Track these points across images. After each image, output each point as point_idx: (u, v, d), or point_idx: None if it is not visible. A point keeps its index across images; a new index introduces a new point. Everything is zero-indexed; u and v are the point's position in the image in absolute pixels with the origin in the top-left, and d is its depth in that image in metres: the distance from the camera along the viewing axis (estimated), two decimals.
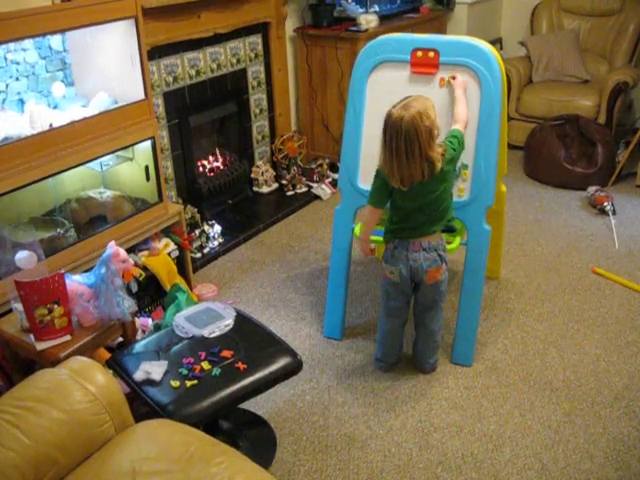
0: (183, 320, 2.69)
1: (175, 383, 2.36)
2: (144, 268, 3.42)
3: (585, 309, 3.56)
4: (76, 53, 3.36)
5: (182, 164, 4.32)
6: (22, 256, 2.58)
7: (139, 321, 3.29)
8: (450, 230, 2.98)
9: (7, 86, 3.15)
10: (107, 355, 2.88)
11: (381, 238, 2.93)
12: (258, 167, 4.95)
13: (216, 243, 4.26)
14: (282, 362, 2.49)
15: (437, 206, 2.74)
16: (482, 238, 2.97)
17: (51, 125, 2.96)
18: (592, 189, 4.77)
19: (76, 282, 2.67)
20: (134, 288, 3.26)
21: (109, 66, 3.31)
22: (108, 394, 2.07)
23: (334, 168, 5.11)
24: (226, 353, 2.48)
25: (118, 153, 3.35)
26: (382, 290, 3.00)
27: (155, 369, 2.40)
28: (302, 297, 3.74)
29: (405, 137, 2.52)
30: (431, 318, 3.00)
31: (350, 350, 3.29)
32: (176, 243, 3.66)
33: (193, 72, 4.23)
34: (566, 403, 2.91)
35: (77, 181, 3.38)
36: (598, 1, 5.82)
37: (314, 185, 5.04)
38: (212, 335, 2.61)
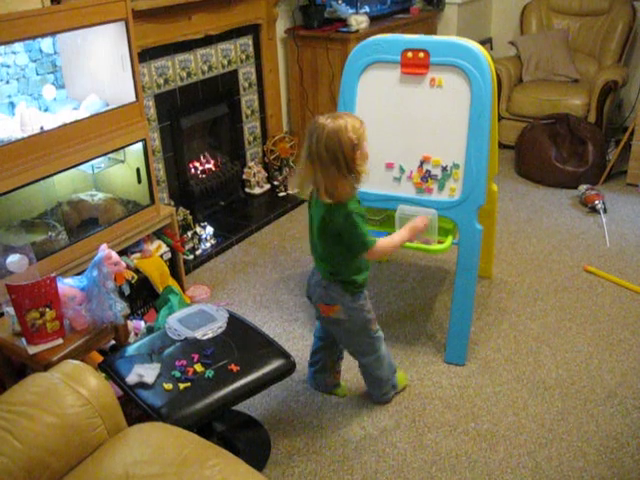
0: (176, 322, 2.68)
1: (168, 386, 2.35)
2: (136, 270, 3.41)
3: (577, 307, 3.57)
4: (67, 56, 3.36)
5: (174, 166, 4.32)
6: (13, 260, 2.57)
7: (131, 324, 3.28)
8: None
9: None
10: (99, 358, 2.87)
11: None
12: (250, 168, 4.95)
13: (208, 245, 4.26)
14: (275, 363, 2.49)
15: (321, 249, 2.57)
16: (474, 237, 2.97)
17: (42, 128, 2.95)
18: (583, 188, 4.79)
19: (68, 285, 2.67)
20: (126, 291, 3.27)
21: (100, 68, 3.31)
22: (101, 398, 2.06)
23: None
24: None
25: (109, 155, 3.34)
26: None
27: (148, 372, 2.40)
28: (295, 298, 3.74)
29: (325, 144, 2.32)
30: (352, 353, 2.84)
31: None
32: (168, 245, 3.65)
33: (184, 74, 4.22)
34: (559, 401, 2.92)
35: (68, 184, 3.38)
36: (587, 1, 5.83)
37: None
38: (205, 337, 2.60)
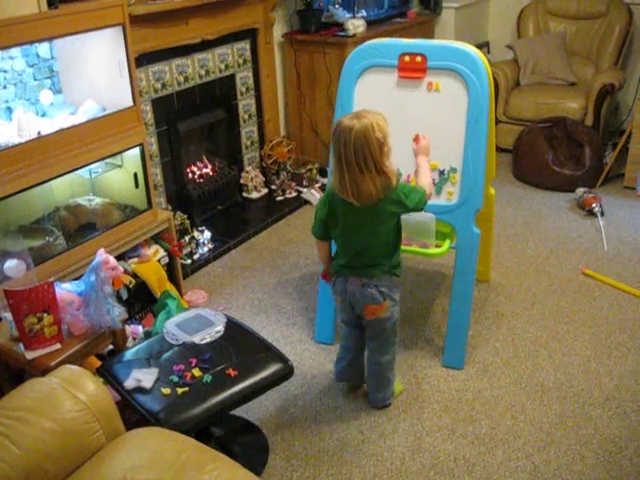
0: (173, 327, 2.68)
1: (166, 390, 2.35)
2: (134, 275, 3.41)
3: (575, 310, 3.57)
4: (64, 61, 3.36)
5: (171, 170, 4.32)
6: (11, 265, 2.57)
7: (129, 328, 3.28)
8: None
9: None
10: (97, 363, 2.87)
11: None
12: (247, 173, 4.95)
13: (206, 249, 4.26)
14: (273, 368, 2.49)
15: (373, 243, 2.60)
16: (472, 241, 2.98)
17: (39, 133, 2.95)
18: (580, 191, 4.79)
19: (66, 290, 2.66)
20: (124, 295, 3.26)
21: (97, 73, 3.31)
22: (99, 403, 2.06)
23: (323, 173, 5.10)
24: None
25: (107, 160, 3.35)
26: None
27: (146, 377, 2.40)
28: (293, 302, 3.74)
29: (354, 147, 2.36)
30: (376, 348, 2.84)
31: None
32: (166, 250, 3.65)
33: (181, 78, 4.23)
34: (557, 405, 2.92)
35: (66, 189, 3.37)
36: (584, 4, 5.85)
37: (304, 190, 5.05)
38: (203, 342, 2.60)
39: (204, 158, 4.69)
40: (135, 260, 3.49)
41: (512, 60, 5.96)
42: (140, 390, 2.36)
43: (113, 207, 3.46)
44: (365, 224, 2.55)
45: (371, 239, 2.58)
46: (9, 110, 3.18)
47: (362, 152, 2.37)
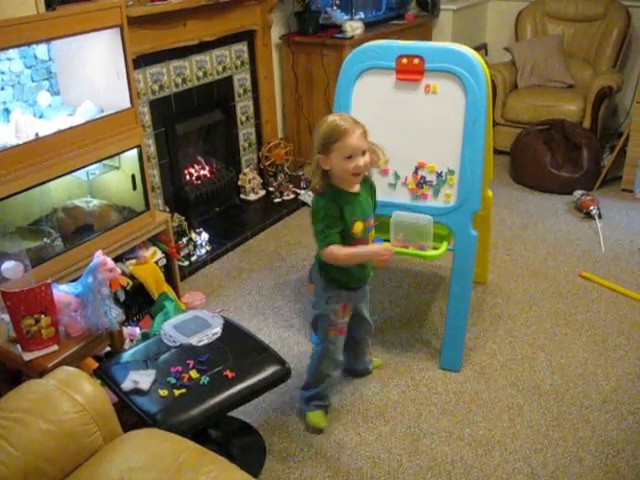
0: (171, 329, 2.68)
1: (163, 392, 2.35)
2: (131, 277, 3.41)
3: (572, 313, 3.58)
4: (62, 62, 3.35)
5: (169, 172, 4.31)
6: (8, 266, 2.57)
7: (127, 330, 3.28)
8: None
9: None
10: (95, 365, 2.87)
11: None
12: (245, 174, 4.95)
13: (203, 251, 4.25)
14: (270, 370, 2.49)
15: None
16: (469, 243, 2.98)
17: (37, 134, 2.94)
18: (578, 193, 4.80)
19: (63, 292, 2.66)
20: (121, 297, 3.26)
21: (95, 75, 3.30)
22: (96, 404, 2.06)
23: None
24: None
25: (104, 162, 3.34)
26: None
27: (143, 378, 2.39)
28: (290, 304, 3.74)
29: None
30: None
31: None
32: (163, 251, 3.65)
33: (179, 80, 4.23)
34: (555, 407, 2.92)
35: (63, 190, 3.37)
36: (582, 6, 5.86)
37: (301, 192, 5.05)
38: (200, 343, 2.60)
39: (202, 160, 4.69)
40: (133, 262, 3.49)
41: (510, 62, 5.96)
42: (137, 392, 2.36)
43: (111, 209, 3.46)
44: None
45: None
46: (7, 112, 3.18)
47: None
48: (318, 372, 2.83)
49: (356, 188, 2.56)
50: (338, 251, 2.50)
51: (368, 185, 2.67)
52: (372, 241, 2.65)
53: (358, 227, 2.55)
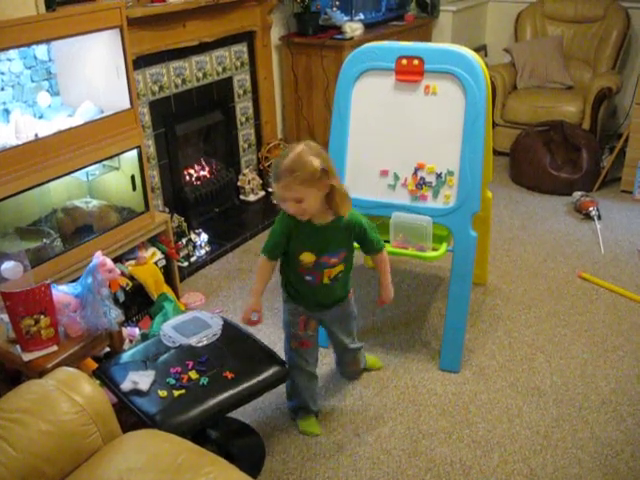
0: (170, 329, 2.68)
1: (163, 393, 2.35)
2: (131, 277, 3.41)
3: (572, 314, 3.58)
4: (61, 63, 3.36)
5: (168, 173, 4.31)
6: (8, 266, 2.56)
7: (126, 331, 3.28)
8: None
9: None
10: (94, 365, 2.87)
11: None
12: (245, 175, 4.95)
13: (203, 252, 4.25)
14: (270, 371, 2.49)
15: None
16: (468, 244, 2.98)
17: (37, 135, 2.94)
18: (577, 194, 4.80)
19: (62, 292, 2.66)
20: (121, 298, 3.26)
21: (95, 75, 3.31)
22: (95, 405, 2.06)
23: None
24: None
25: (104, 162, 3.34)
26: None
27: (142, 379, 2.39)
28: None
29: None
30: None
31: None
32: (163, 252, 3.65)
33: (179, 81, 4.23)
34: (554, 408, 2.92)
35: (63, 191, 3.37)
36: (581, 8, 5.86)
37: None
38: (199, 344, 2.60)
39: (201, 160, 4.69)
40: (132, 262, 3.49)
41: (509, 63, 5.96)
42: (137, 392, 2.36)
43: (110, 209, 3.46)
44: None
45: None
46: (6, 112, 3.18)
47: None
48: (292, 383, 2.81)
49: (322, 220, 2.48)
50: (259, 264, 2.63)
51: (344, 224, 2.51)
52: (331, 279, 2.60)
53: (306, 257, 2.52)
